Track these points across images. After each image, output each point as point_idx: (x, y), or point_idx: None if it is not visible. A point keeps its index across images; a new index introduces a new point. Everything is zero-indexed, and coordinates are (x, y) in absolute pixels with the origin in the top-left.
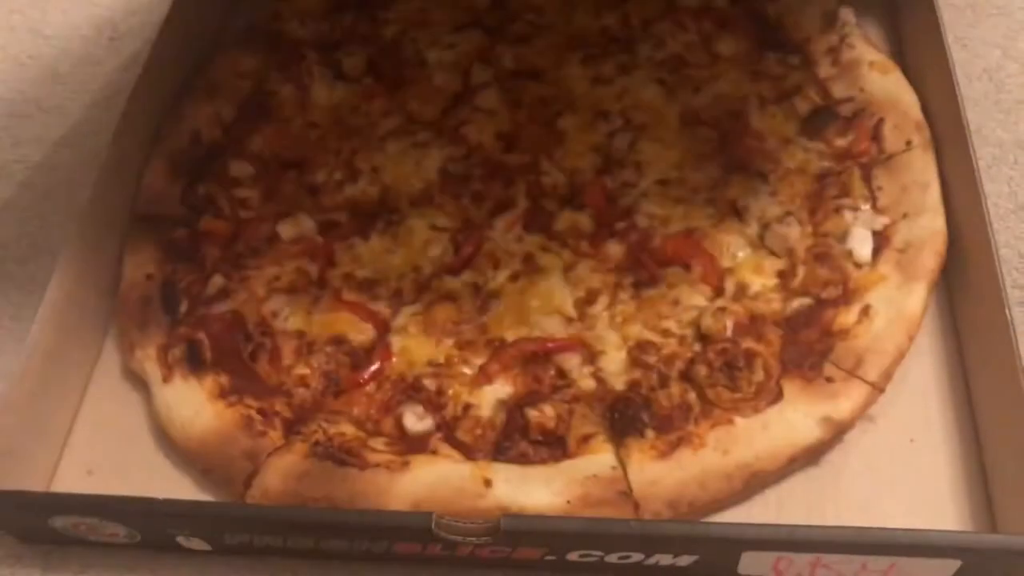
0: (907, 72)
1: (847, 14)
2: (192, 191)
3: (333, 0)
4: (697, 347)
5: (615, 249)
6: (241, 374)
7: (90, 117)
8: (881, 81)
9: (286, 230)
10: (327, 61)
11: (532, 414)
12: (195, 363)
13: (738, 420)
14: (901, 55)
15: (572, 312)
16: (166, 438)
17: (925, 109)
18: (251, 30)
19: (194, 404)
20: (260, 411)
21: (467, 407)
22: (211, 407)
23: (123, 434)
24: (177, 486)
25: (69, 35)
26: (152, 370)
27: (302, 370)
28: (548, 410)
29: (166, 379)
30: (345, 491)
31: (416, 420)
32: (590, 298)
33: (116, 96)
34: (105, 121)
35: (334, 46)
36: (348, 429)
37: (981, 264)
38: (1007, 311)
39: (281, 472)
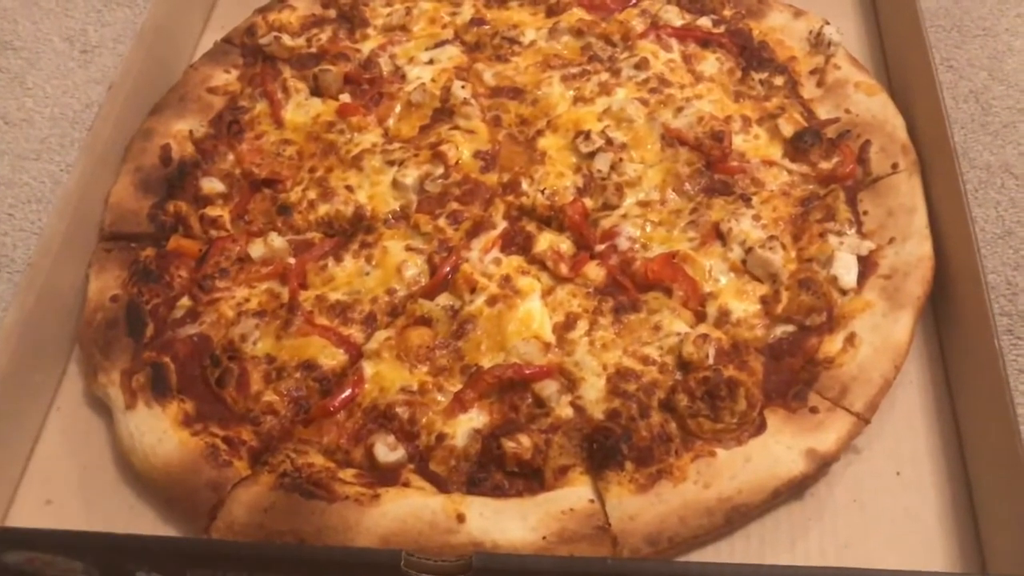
0: (893, 93)
1: (833, 34)
2: (161, 209)
3: (310, 15)
4: (678, 375)
5: (595, 272)
6: (207, 400)
7: (58, 131)
8: (867, 102)
9: (257, 250)
10: (303, 77)
11: (508, 445)
12: (160, 389)
13: (720, 452)
14: (887, 76)
15: (551, 337)
16: (129, 467)
17: (911, 131)
18: (225, 45)
19: (158, 432)
20: (226, 439)
21: (441, 437)
22: (175, 435)
23: (84, 462)
24: (139, 517)
25: (39, 47)
26: (115, 396)
27: (270, 396)
28: (525, 440)
29: (129, 405)
30: (313, 525)
31: (387, 451)
32: (569, 323)
33: (86, 110)
34: (74, 136)
35: (310, 61)
36: (317, 459)
37: (969, 292)
38: (995, 341)
39: (247, 504)
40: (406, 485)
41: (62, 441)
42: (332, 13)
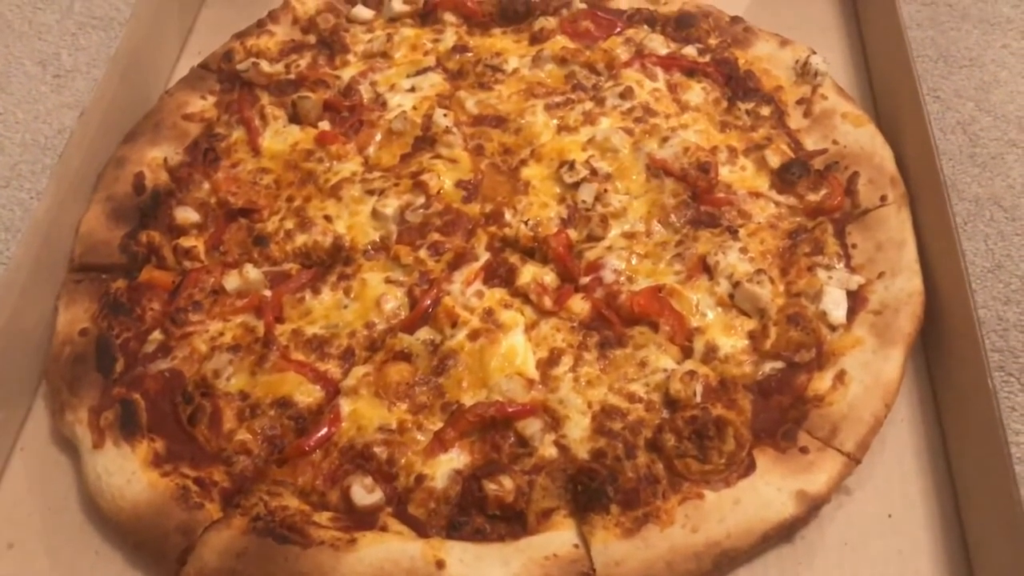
0: (880, 124)
1: (819, 63)
2: (133, 239)
3: (289, 40)
4: (665, 413)
5: (580, 306)
6: (178, 439)
7: (29, 158)
8: (855, 133)
9: (232, 282)
10: (281, 103)
11: (490, 487)
12: (129, 427)
13: (708, 494)
14: (874, 106)
15: (534, 374)
16: (96, 509)
17: (900, 163)
18: (202, 70)
19: (126, 472)
20: (197, 481)
21: (420, 478)
22: (145, 476)
23: (49, 503)
24: (106, 562)
25: (10, 70)
26: (82, 434)
27: (244, 435)
28: (507, 482)
29: (97, 445)
30: (287, 571)
31: (365, 493)
32: (553, 358)
33: (58, 136)
34: (45, 162)
35: (289, 88)
36: (292, 502)
37: (960, 328)
38: (988, 380)
39: (218, 549)
40: (384, 529)
41: (26, 482)
42: (312, 39)
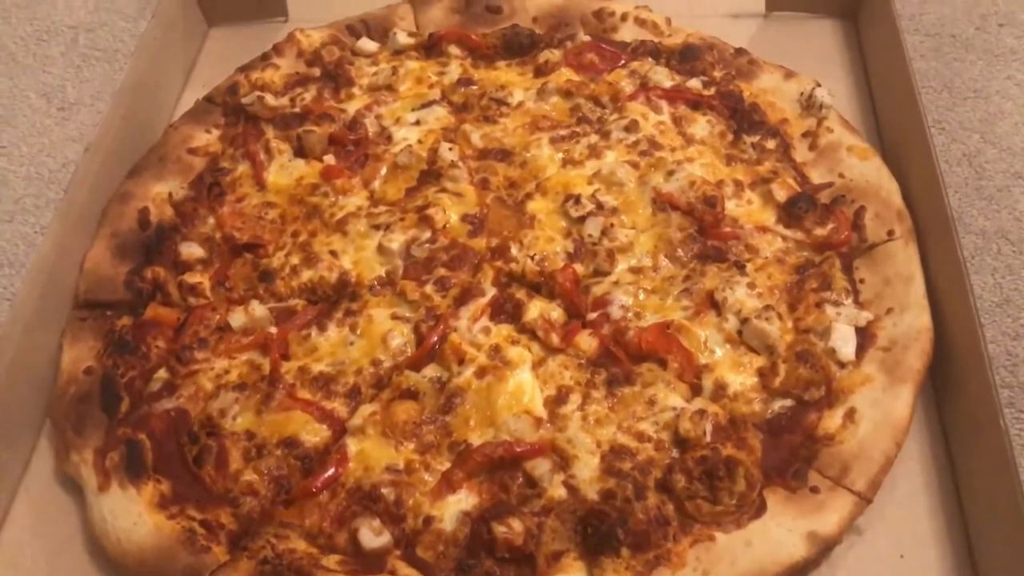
0: (886, 156)
1: (824, 96)
2: (138, 275)
3: (294, 73)
4: (675, 453)
5: (587, 342)
6: (184, 480)
7: (33, 191)
8: (861, 167)
9: (237, 319)
10: (286, 137)
11: (499, 529)
12: (134, 468)
13: (719, 536)
14: (879, 138)
15: (542, 412)
16: (101, 552)
17: (906, 196)
18: (207, 103)
19: (132, 515)
20: (203, 523)
21: (428, 520)
22: (150, 519)
23: (54, 545)
24: None
25: (15, 103)
26: (88, 476)
27: (250, 476)
28: (516, 524)
29: (102, 487)
30: None
31: (372, 535)
32: (561, 396)
33: (62, 169)
34: (49, 196)
35: (294, 122)
36: (299, 544)
37: (970, 364)
38: (1000, 418)
39: None
40: (392, 573)
41: (31, 523)
42: (317, 71)
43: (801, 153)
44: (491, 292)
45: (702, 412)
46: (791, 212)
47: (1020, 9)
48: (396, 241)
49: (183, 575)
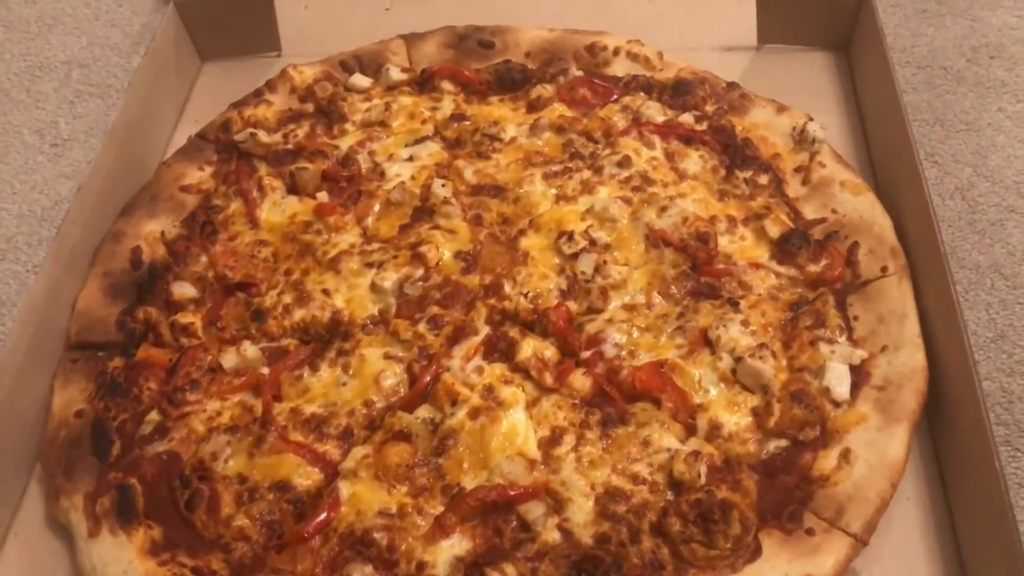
0: (879, 191)
1: (816, 130)
2: (130, 316)
3: (287, 110)
4: (669, 495)
5: (581, 382)
6: (175, 525)
7: (26, 229)
8: (854, 202)
9: (229, 360)
10: (279, 174)
11: (493, 575)
12: (125, 514)
13: None
14: (872, 172)
15: (536, 454)
16: None
17: (899, 231)
18: (199, 140)
19: (123, 562)
20: (195, 570)
21: (421, 565)
22: (141, 566)
23: None
24: None
25: (7, 139)
26: (78, 521)
27: (242, 521)
28: (510, 570)
29: (92, 533)
30: None
31: None
32: (555, 438)
33: (55, 207)
34: (42, 234)
35: (287, 158)
36: None
37: (964, 402)
38: (995, 458)
39: None
40: None
41: (20, 569)
42: (310, 108)
43: (794, 188)
44: (484, 330)
45: (697, 454)
46: (784, 248)
47: (1011, 41)
48: (389, 279)
49: None
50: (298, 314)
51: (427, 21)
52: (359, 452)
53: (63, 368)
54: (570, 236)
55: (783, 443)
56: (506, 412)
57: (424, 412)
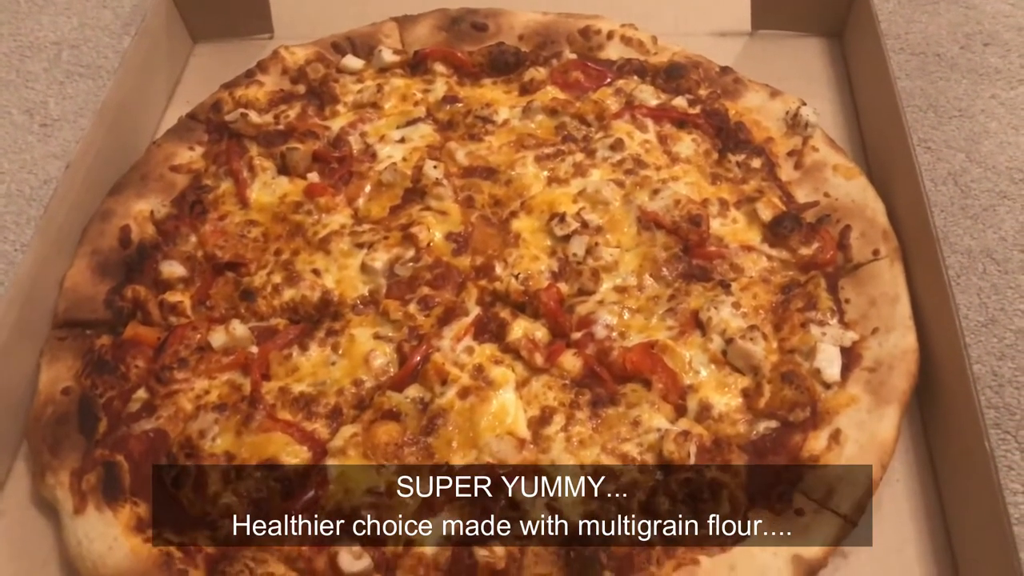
0: (871, 175)
1: (809, 114)
2: (118, 294)
3: (278, 91)
4: (659, 474)
5: (571, 362)
6: (162, 503)
7: (14, 209)
8: (846, 186)
9: (218, 339)
10: (270, 155)
11: (481, 554)
12: (111, 491)
13: (703, 559)
14: (865, 157)
15: (525, 433)
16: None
17: (891, 215)
18: (190, 121)
19: (108, 538)
20: (181, 547)
21: (409, 543)
22: (127, 542)
23: (29, 569)
24: None
25: None
26: (64, 498)
27: (229, 498)
28: (498, 549)
29: (78, 509)
30: None
31: (352, 559)
32: (545, 417)
33: (44, 186)
34: (30, 214)
35: (278, 139)
36: (277, 568)
37: (955, 385)
38: (985, 440)
39: None
40: None
41: (4, 547)
42: (301, 89)
43: (786, 172)
44: (475, 311)
45: (686, 434)
46: (776, 231)
47: (1004, 29)
48: (379, 260)
49: None
50: (288, 294)
51: (420, 3)
52: (348, 431)
53: (50, 346)
54: (562, 218)
55: (773, 424)
56: (496, 392)
57: (414, 392)
